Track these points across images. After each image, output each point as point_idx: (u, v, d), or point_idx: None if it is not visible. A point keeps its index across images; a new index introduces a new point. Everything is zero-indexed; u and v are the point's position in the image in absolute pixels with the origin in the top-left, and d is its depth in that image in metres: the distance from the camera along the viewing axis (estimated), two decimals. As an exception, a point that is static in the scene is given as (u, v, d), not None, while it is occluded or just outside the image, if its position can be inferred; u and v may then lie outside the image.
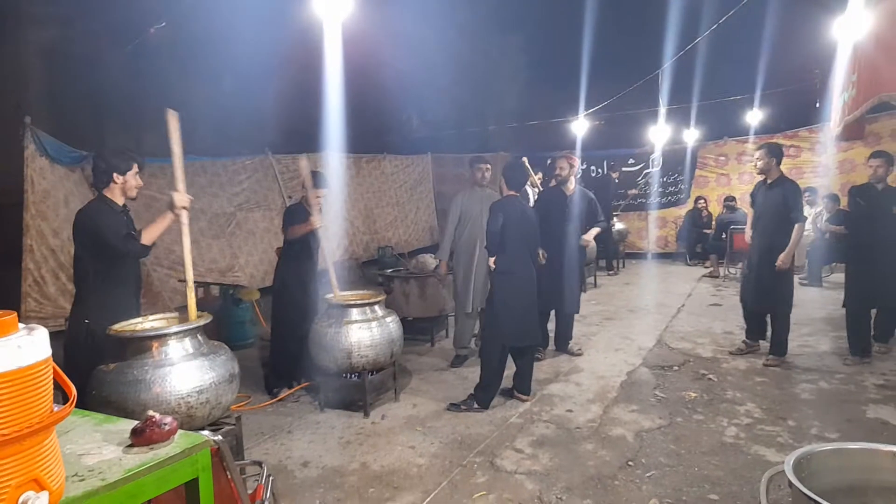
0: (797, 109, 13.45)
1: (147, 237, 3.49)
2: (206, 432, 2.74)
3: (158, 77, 8.10)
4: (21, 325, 1.27)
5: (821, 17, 7.72)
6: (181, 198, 3.35)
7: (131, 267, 3.61)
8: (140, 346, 3.08)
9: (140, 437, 1.61)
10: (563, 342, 6.09)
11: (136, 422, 1.74)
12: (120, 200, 3.53)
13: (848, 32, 7.55)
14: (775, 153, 5.61)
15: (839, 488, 2.42)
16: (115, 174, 3.47)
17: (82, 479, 1.38)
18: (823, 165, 11.82)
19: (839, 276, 9.63)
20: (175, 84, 8.28)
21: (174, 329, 3.12)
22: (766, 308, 5.61)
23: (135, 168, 3.54)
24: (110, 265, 3.42)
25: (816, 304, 8.00)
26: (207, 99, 8.89)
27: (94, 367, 3.10)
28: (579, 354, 5.92)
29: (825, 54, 8.81)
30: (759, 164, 5.60)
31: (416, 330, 6.55)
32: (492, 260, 4.63)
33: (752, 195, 5.85)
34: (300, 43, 7.06)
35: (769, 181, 5.57)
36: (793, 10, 11.88)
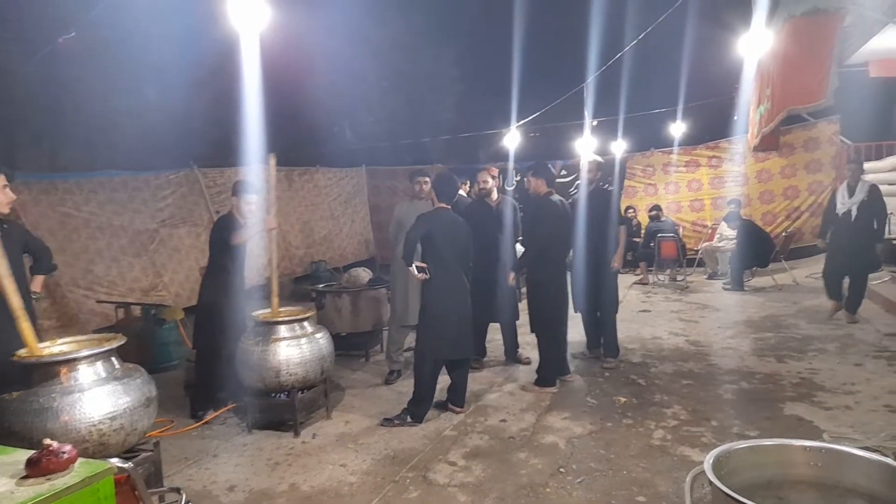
0: (718, 121, 14.12)
1: None
2: (115, 460, 2.60)
3: (73, 88, 7.75)
4: None
5: (735, 37, 8.15)
6: None
7: None
8: (46, 371, 2.90)
9: (35, 468, 1.51)
10: (510, 352, 6.12)
11: (32, 451, 1.63)
12: None
13: (752, 50, 7.99)
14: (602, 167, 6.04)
15: (757, 484, 2.49)
16: None
17: (-38, 518, 1.27)
18: (743, 175, 12.43)
19: (760, 280, 10.14)
20: (92, 96, 7.93)
21: (84, 353, 2.95)
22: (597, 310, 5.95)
23: (2, 180, 3.34)
24: None
25: (739, 308, 8.34)
26: (128, 111, 8.57)
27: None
28: (528, 363, 5.94)
29: (739, 70, 9.30)
30: (590, 175, 5.84)
31: (350, 345, 6.45)
32: (410, 269, 4.61)
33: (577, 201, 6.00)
34: (226, 54, 6.90)
35: (590, 189, 5.82)
36: (708, 29, 12.49)
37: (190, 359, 6.09)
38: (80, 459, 1.59)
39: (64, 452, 1.55)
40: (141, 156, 9.21)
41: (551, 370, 5.26)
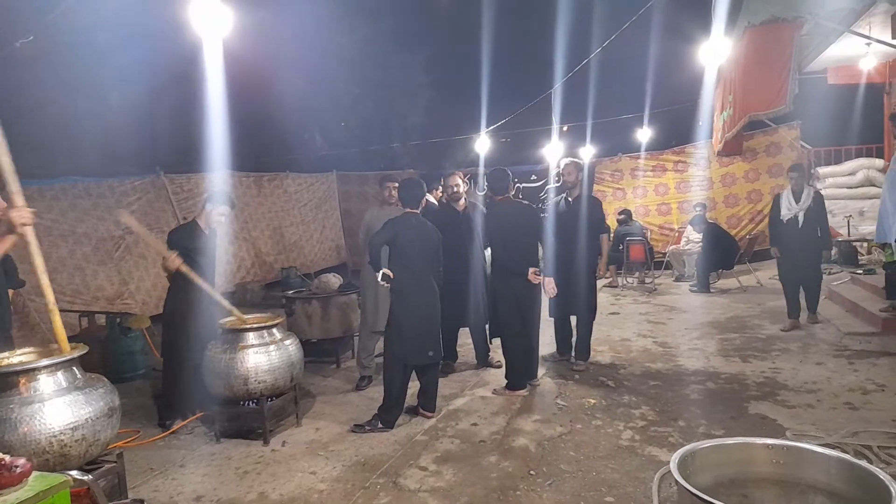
0: (683, 127, 14.42)
1: None
2: (75, 472, 2.55)
3: (34, 93, 7.57)
4: None
5: (694, 44, 8.34)
6: (20, 214, 3.01)
7: None
8: (5, 381, 2.82)
9: (-14, 483, 1.46)
10: (481, 356, 6.11)
11: (-17, 467, 1.58)
12: None
13: (712, 58, 8.17)
14: (581, 168, 5.94)
15: (721, 482, 2.53)
16: None
17: None
18: (707, 179, 12.69)
19: (725, 282, 10.34)
20: (53, 100, 7.76)
21: (44, 363, 2.87)
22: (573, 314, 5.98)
23: None
24: None
25: (705, 310, 8.49)
26: (91, 116, 8.40)
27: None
28: (499, 366, 5.91)
29: (702, 77, 9.50)
30: (570, 178, 5.86)
31: (321, 352, 6.40)
32: (378, 275, 4.58)
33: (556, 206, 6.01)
34: (191, 59, 6.81)
35: (571, 198, 5.85)
36: (676, 38, 12.74)
37: (157, 368, 5.99)
38: (35, 473, 1.55)
39: (17, 466, 1.51)
40: (104, 162, 9.03)
41: (517, 374, 5.26)
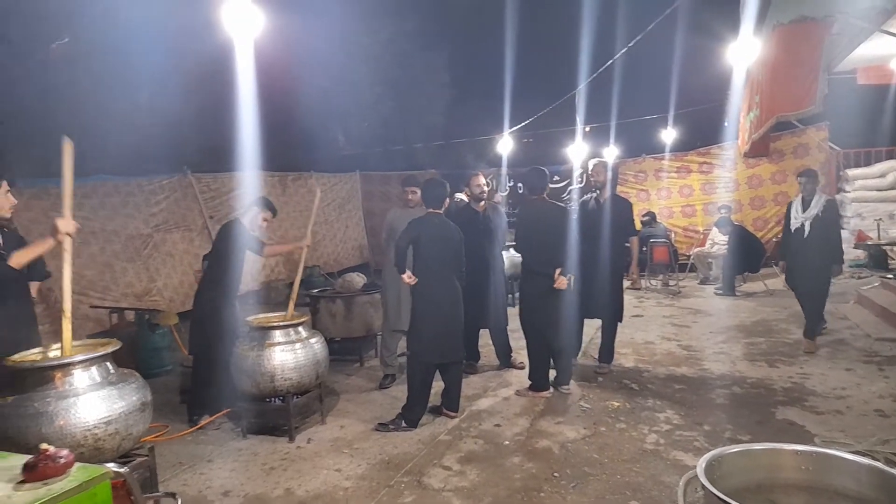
0: (708, 128, 14.23)
1: (17, 259, 3.26)
2: (111, 465, 2.61)
3: (67, 93, 7.72)
4: None
5: (725, 44, 8.24)
6: (66, 223, 3.11)
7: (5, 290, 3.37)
8: (41, 376, 2.89)
9: (33, 473, 1.52)
10: (503, 357, 6.11)
11: (28, 456, 1.63)
12: None
13: (741, 58, 8.05)
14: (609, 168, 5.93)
15: (747, 487, 2.52)
16: None
17: (-38, 522, 1.28)
18: (733, 181, 12.53)
19: (751, 286, 10.22)
20: (86, 101, 7.91)
21: (79, 358, 2.94)
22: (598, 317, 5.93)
23: (4, 186, 3.36)
24: None
25: (731, 313, 8.40)
26: (121, 116, 8.55)
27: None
28: (521, 367, 5.92)
29: (729, 77, 9.39)
30: (598, 178, 5.85)
31: (344, 350, 6.46)
32: (403, 276, 4.62)
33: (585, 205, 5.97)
34: (219, 59, 6.91)
35: (602, 199, 5.80)
36: (701, 37, 12.60)
37: (185, 364, 6.09)
38: (76, 464, 1.59)
39: (61, 457, 1.56)
40: (134, 160, 9.18)
41: (540, 375, 5.24)
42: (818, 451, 2.36)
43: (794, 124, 10.84)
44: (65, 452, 1.56)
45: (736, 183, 12.50)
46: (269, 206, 5.11)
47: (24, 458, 1.62)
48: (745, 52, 7.38)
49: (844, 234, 11.00)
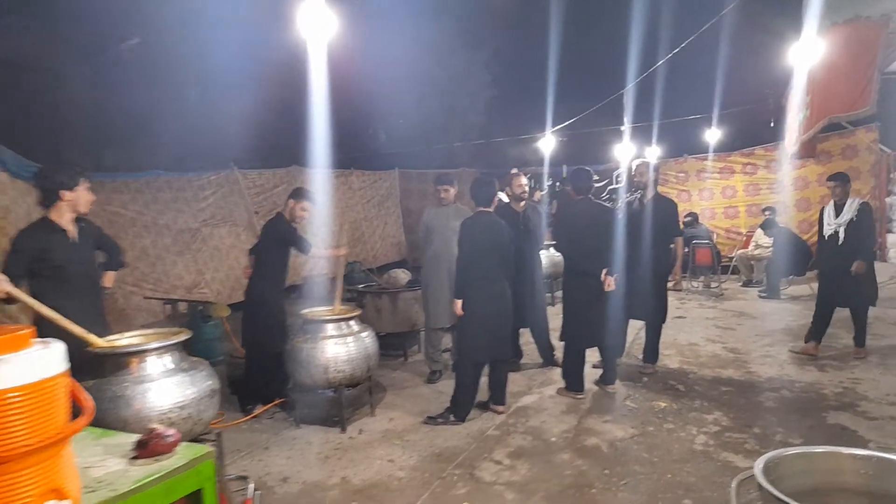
0: (752, 128, 14.01)
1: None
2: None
3: (122, 92, 8.00)
4: (36, 340, 1.29)
5: (772, 43, 8.10)
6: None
7: (74, 287, 3.52)
8: (119, 362, 3.05)
9: (145, 449, 1.63)
10: (546, 356, 6.12)
11: (133, 434, 1.75)
12: (67, 218, 3.50)
13: (803, 58, 7.89)
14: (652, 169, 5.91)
15: (804, 490, 2.52)
16: (62, 191, 3.45)
17: (93, 491, 1.39)
18: (779, 182, 12.30)
19: (797, 289, 10.03)
20: (139, 99, 8.19)
21: (154, 345, 3.09)
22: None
23: (84, 182, 3.52)
24: (50, 286, 3.38)
25: (776, 317, 8.28)
26: (173, 114, 8.82)
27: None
28: None
29: (777, 76, 9.23)
30: (642, 179, 5.83)
31: (389, 345, 6.56)
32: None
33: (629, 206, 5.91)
34: (270, 61, 7.09)
35: (645, 199, 5.76)
36: (746, 36, 12.39)
37: (233, 355, 6.27)
38: (182, 443, 1.70)
39: (169, 436, 1.66)
40: (183, 157, 9.46)
41: (572, 375, 5.22)
42: (878, 456, 2.36)
43: (842, 125, 10.60)
44: (172, 431, 1.66)
45: (781, 184, 12.27)
46: (305, 195, 5.07)
47: (131, 437, 1.73)
48: (807, 52, 7.21)
49: (894, 238, 10.76)
